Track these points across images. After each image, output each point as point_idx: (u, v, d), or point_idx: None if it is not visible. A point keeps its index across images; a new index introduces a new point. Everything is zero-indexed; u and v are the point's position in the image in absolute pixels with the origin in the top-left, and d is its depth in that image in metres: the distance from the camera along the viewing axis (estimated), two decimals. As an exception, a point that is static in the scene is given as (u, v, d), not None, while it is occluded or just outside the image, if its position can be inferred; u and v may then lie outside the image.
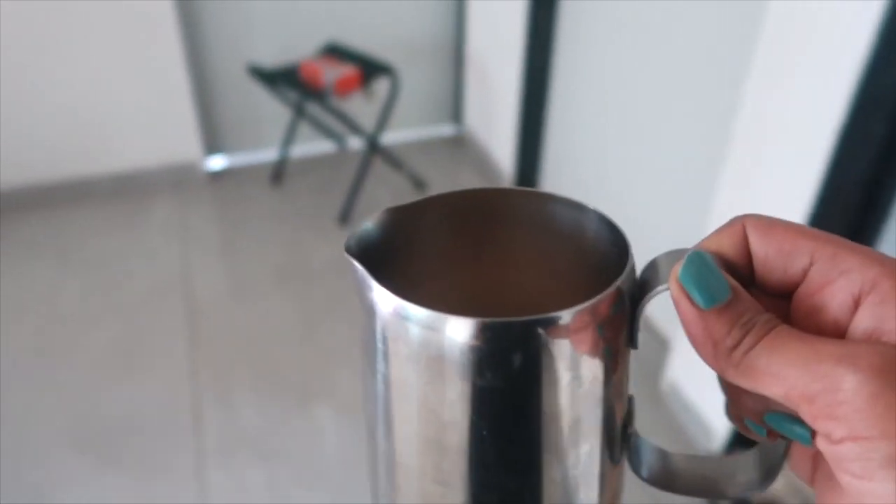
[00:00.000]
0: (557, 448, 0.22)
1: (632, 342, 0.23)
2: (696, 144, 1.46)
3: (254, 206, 2.19)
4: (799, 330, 0.19)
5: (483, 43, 2.27)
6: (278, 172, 2.28)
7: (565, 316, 0.20)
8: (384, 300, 0.21)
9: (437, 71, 2.48)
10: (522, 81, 1.98)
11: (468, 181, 2.39)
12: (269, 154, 2.37)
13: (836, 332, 0.20)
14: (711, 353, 0.20)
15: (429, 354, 0.21)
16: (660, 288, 0.21)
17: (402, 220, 0.25)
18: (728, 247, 0.21)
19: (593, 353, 0.21)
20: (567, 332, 0.20)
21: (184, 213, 2.13)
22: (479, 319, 0.20)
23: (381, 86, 2.05)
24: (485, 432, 0.21)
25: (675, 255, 0.21)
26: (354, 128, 2.14)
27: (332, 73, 1.89)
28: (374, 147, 2.09)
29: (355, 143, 2.25)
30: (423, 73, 2.42)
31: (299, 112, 2.18)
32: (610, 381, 0.22)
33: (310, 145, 2.39)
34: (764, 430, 0.22)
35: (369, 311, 0.22)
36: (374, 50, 2.13)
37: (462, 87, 2.48)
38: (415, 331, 0.21)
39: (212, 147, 2.31)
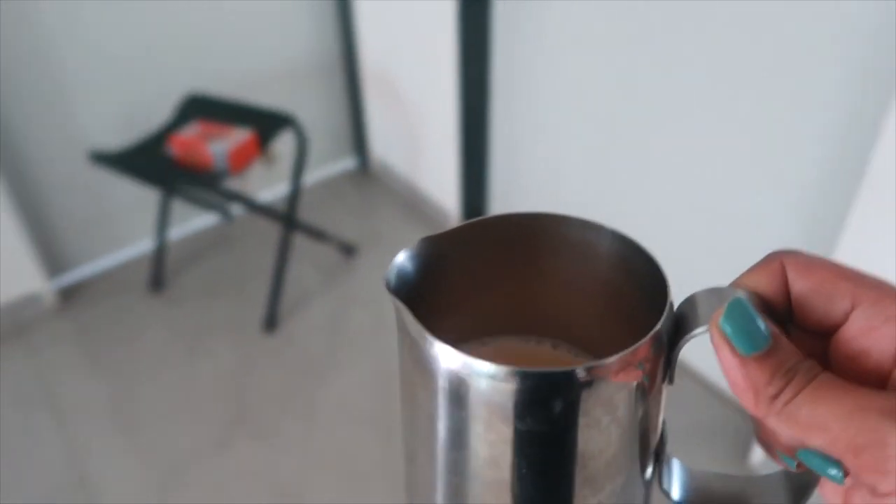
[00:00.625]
0: (594, 482, 0.22)
1: (669, 379, 0.23)
2: (684, 156, 1.17)
3: (135, 324, 1.63)
4: (841, 379, 0.19)
5: (383, 59, 1.82)
6: (157, 273, 1.71)
7: (607, 362, 0.20)
8: (445, 354, 0.21)
9: (328, 99, 1.99)
10: (458, 97, 1.58)
11: (389, 219, 1.97)
12: (137, 250, 1.79)
13: (878, 379, 0.20)
14: (752, 400, 0.20)
15: (481, 401, 0.21)
16: (699, 330, 0.21)
17: (433, 250, 0.25)
18: (766, 285, 0.21)
19: (631, 394, 0.21)
20: (608, 374, 0.20)
21: (38, 365, 1.52)
22: (531, 370, 0.20)
23: (283, 142, 1.56)
24: (524, 470, 0.22)
25: (714, 294, 0.21)
26: (257, 207, 1.64)
27: (219, 147, 1.37)
28: (291, 225, 1.59)
29: (237, 207, 1.73)
30: (312, 104, 1.93)
31: (169, 193, 1.63)
32: (647, 416, 0.23)
33: (184, 226, 1.84)
34: (794, 463, 0.21)
35: (422, 359, 0.22)
36: (245, 93, 1.62)
37: (361, 113, 2.02)
38: (475, 382, 0.21)
39: (58, 265, 1.69)
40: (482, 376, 0.21)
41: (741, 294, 0.21)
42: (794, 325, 0.21)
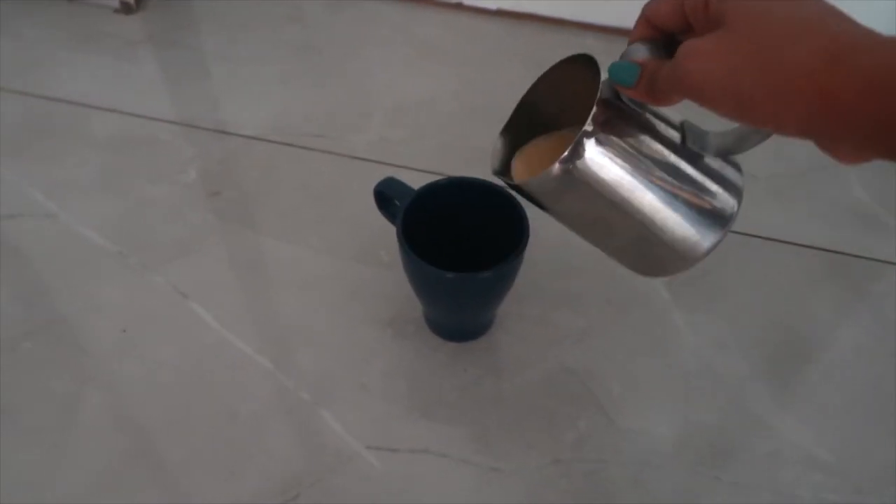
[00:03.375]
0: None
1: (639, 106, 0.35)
2: None
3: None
4: None
5: None
6: None
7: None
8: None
9: None
10: None
11: None
12: None
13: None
14: (646, 99, 0.32)
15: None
16: (605, 79, 0.34)
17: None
18: (665, 11, 0.31)
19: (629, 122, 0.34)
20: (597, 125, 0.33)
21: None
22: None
23: None
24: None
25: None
26: None
27: None
28: None
29: None
30: None
31: None
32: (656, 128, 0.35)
33: None
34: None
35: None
36: None
37: None
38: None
39: None
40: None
41: (614, 63, 0.33)
42: (691, 32, 0.31)
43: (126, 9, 0.90)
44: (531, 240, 0.50)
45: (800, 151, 0.75)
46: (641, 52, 0.32)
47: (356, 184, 0.70)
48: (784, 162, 0.74)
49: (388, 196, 0.53)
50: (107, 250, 0.64)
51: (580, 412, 0.55)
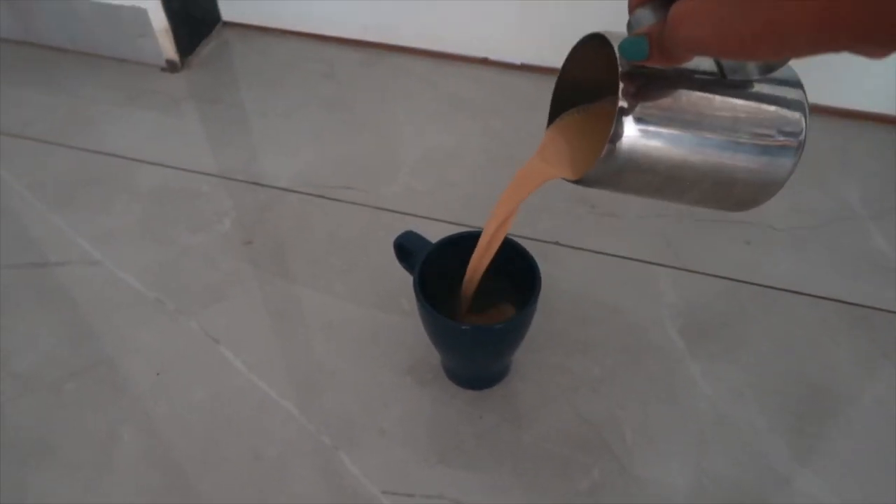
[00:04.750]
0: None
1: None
2: None
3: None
4: None
5: None
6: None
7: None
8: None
9: None
10: None
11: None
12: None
13: None
14: (660, 63, 0.31)
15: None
16: (620, 62, 0.32)
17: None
18: None
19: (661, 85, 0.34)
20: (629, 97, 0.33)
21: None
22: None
23: None
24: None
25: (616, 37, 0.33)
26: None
27: None
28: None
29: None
30: None
31: None
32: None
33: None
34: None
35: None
36: None
37: None
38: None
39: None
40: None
41: (621, 42, 0.32)
42: None
43: (172, 67, 0.96)
44: (548, 289, 0.52)
45: (820, 203, 0.76)
46: (646, 19, 0.31)
47: (382, 234, 0.73)
48: (804, 213, 0.75)
49: (407, 248, 0.56)
50: (146, 296, 0.68)
51: (595, 460, 0.56)
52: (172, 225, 0.75)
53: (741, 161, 0.35)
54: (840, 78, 0.83)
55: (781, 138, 0.35)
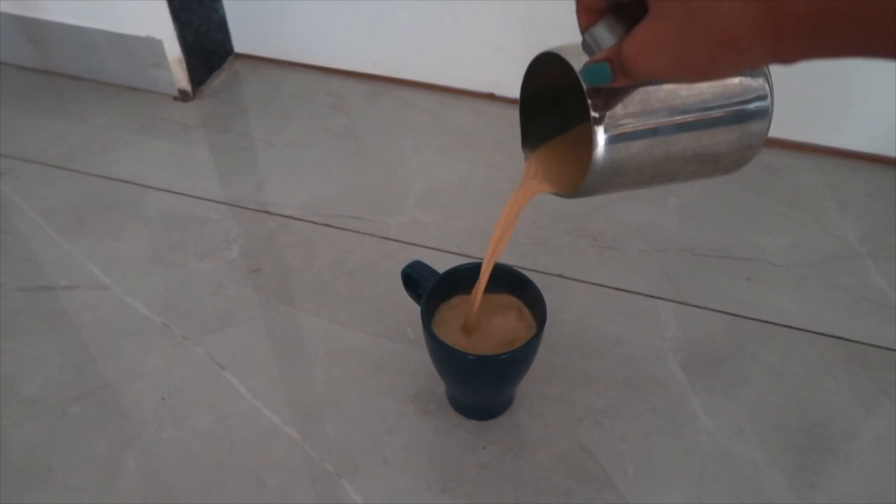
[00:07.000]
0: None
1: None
2: None
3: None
4: None
5: None
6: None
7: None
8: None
9: None
10: None
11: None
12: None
13: None
14: (623, 80, 0.31)
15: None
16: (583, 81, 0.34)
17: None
18: None
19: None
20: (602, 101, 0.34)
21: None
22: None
23: None
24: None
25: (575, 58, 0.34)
26: None
27: None
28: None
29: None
30: None
31: None
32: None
33: None
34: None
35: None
36: None
37: None
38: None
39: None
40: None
41: (582, 68, 0.33)
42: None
43: (184, 97, 0.98)
44: (551, 321, 0.53)
45: (820, 241, 0.77)
46: (603, 40, 0.32)
47: (387, 263, 0.74)
48: (804, 251, 0.76)
49: (414, 278, 0.57)
50: (153, 322, 0.69)
51: (596, 493, 0.56)
52: (181, 251, 0.76)
53: (720, 136, 0.37)
54: (840, 120, 0.84)
55: (752, 106, 0.37)
